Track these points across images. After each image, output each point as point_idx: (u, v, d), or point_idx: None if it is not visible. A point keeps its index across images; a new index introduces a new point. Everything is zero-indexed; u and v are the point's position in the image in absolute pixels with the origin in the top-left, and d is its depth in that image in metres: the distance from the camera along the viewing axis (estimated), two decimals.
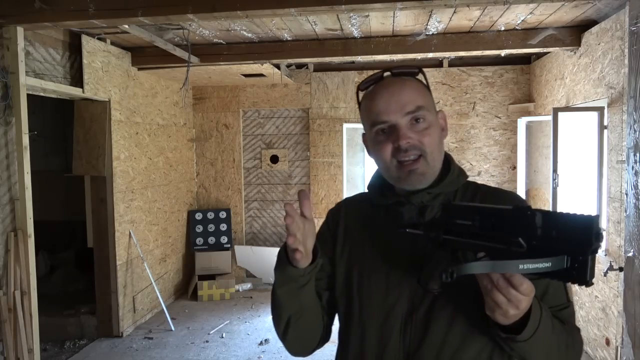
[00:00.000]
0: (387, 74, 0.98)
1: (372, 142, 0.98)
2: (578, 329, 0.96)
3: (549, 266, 0.66)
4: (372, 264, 0.98)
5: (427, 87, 0.99)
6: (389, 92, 0.95)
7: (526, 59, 5.12)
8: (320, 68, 5.43)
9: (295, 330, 1.00)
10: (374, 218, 1.03)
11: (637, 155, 2.46)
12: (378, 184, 1.04)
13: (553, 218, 0.68)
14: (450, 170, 0.99)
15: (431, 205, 0.96)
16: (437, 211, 0.86)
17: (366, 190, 1.09)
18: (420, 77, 1.00)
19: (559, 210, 3.68)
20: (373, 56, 4.20)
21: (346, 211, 1.09)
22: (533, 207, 0.71)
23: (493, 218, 0.75)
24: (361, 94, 1.04)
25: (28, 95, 3.13)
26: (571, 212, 0.67)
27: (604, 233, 3.46)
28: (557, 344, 0.87)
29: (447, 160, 1.01)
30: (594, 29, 3.60)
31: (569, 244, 0.66)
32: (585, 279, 0.65)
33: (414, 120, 0.93)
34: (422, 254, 0.90)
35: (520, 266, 0.67)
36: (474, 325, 0.90)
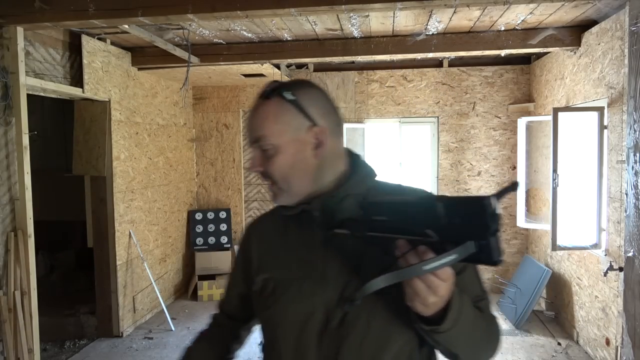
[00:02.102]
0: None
1: None
2: (495, 317, 0.97)
3: (455, 257, 0.67)
4: (285, 277, 0.98)
5: (294, 102, 0.95)
6: (249, 117, 0.99)
7: (526, 59, 5.12)
8: (320, 68, 5.43)
9: None
10: (284, 231, 1.03)
11: (637, 155, 2.46)
12: None
13: (453, 205, 0.70)
14: (355, 173, 1.00)
15: (339, 209, 0.95)
16: (357, 210, 0.86)
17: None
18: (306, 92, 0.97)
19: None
20: (373, 56, 4.20)
21: (255, 231, 1.11)
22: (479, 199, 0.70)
23: (402, 211, 0.78)
24: None
25: (28, 95, 3.13)
26: (471, 195, 0.70)
27: (604, 233, 3.46)
28: (479, 333, 0.89)
29: (355, 161, 1.02)
30: (594, 29, 3.60)
31: (472, 228, 0.67)
32: (492, 260, 0.66)
33: (262, 148, 0.96)
34: (335, 262, 0.93)
35: (424, 267, 0.69)
36: (392, 326, 0.90)
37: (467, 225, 0.67)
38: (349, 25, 3.69)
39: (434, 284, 0.74)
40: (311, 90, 0.99)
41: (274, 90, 0.96)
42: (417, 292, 0.75)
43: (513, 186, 0.68)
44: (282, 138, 0.94)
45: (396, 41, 4.05)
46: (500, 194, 0.66)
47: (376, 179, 1.04)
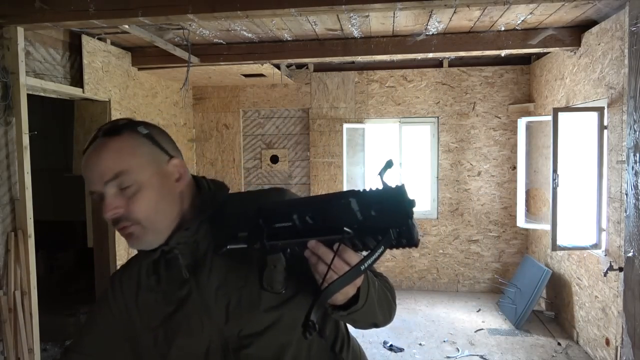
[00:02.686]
0: (99, 134, 0.92)
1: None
2: (383, 274, 1.01)
3: (383, 249, 0.70)
4: (172, 320, 0.94)
5: (148, 136, 0.92)
6: (92, 159, 0.88)
7: (526, 59, 5.12)
8: (320, 68, 5.44)
9: None
10: (154, 275, 0.98)
11: (637, 155, 2.46)
12: None
13: (368, 198, 0.71)
14: (201, 196, 0.96)
15: (198, 239, 0.93)
16: (253, 219, 0.83)
17: None
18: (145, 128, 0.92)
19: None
20: (373, 56, 4.20)
21: (127, 280, 1.02)
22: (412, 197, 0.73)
23: (310, 212, 0.76)
24: None
25: (28, 95, 3.13)
26: (380, 187, 0.71)
27: (604, 233, 3.46)
28: (385, 295, 0.93)
29: (198, 183, 0.98)
30: (594, 29, 3.60)
31: (390, 217, 0.69)
32: (414, 242, 0.69)
33: (120, 187, 0.87)
34: (209, 288, 0.91)
35: (362, 267, 0.72)
36: (287, 324, 0.91)
37: (385, 216, 0.70)
38: (349, 26, 3.69)
39: (338, 266, 0.76)
40: (155, 126, 0.96)
41: (124, 126, 0.91)
42: (320, 273, 0.76)
43: (388, 164, 0.73)
44: (144, 173, 0.88)
45: (396, 41, 4.05)
46: (380, 174, 0.72)
47: (229, 192, 1.01)
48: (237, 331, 0.91)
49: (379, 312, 0.90)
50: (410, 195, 0.69)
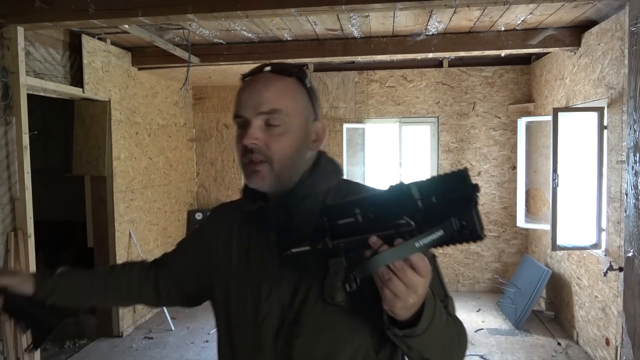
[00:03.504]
0: (267, 68, 0.93)
1: (235, 135, 0.95)
2: (461, 322, 0.94)
3: (442, 234, 0.64)
4: (241, 277, 0.95)
5: (309, 90, 0.94)
6: (254, 87, 0.90)
7: (526, 59, 5.12)
8: (320, 68, 5.43)
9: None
10: (242, 226, 0.99)
11: (637, 155, 2.46)
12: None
13: (428, 185, 0.66)
14: (315, 171, 0.95)
15: (299, 209, 0.91)
16: (317, 218, 0.79)
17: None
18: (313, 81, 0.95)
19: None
20: (373, 56, 4.20)
21: (224, 216, 1.06)
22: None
23: (371, 206, 0.72)
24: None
25: (28, 95, 3.13)
26: (441, 174, 0.66)
27: (604, 233, 3.46)
28: (450, 335, 0.85)
29: (319, 160, 0.97)
30: (594, 29, 3.60)
31: (451, 204, 0.64)
32: (477, 233, 0.63)
33: (268, 123, 0.88)
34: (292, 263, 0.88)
35: (417, 244, 0.65)
36: (344, 327, 0.87)
37: (447, 203, 0.64)
38: (349, 26, 3.69)
39: (413, 281, 0.69)
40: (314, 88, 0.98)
41: (296, 71, 0.92)
42: (397, 293, 0.70)
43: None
44: (295, 119, 0.90)
45: (396, 41, 4.05)
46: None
47: (343, 178, 1.00)
48: (293, 323, 0.89)
49: (438, 351, 0.81)
50: (473, 179, 0.63)
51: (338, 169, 0.99)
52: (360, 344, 0.88)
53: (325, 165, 0.97)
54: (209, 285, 1.03)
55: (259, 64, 0.94)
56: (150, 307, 1.18)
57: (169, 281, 1.11)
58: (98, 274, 1.15)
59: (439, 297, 0.86)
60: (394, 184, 0.69)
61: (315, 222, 0.78)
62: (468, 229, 0.63)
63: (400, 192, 0.68)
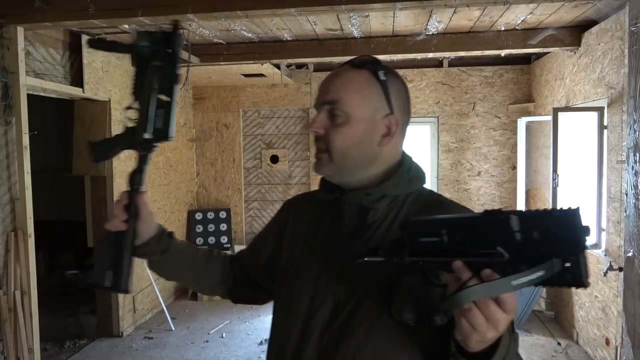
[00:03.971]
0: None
1: None
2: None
3: (542, 275, 0.58)
4: (306, 264, 0.95)
5: (382, 83, 0.92)
6: (327, 79, 0.94)
7: (526, 59, 5.12)
8: (320, 68, 5.43)
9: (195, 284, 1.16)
10: (316, 215, 1.00)
11: (637, 155, 2.46)
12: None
13: (532, 218, 0.60)
14: (398, 173, 0.93)
15: (373, 209, 0.91)
16: (397, 231, 0.77)
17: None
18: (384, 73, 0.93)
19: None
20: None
21: (296, 206, 1.08)
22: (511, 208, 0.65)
23: (462, 229, 0.67)
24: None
25: (28, 95, 3.13)
26: (548, 208, 0.60)
27: (604, 233, 3.46)
28: None
29: (403, 161, 0.96)
30: (594, 29, 3.60)
31: (556, 244, 0.58)
32: (581, 280, 0.57)
33: (331, 113, 0.90)
34: (355, 260, 0.87)
35: (514, 282, 0.58)
36: (391, 343, 0.85)
37: (550, 241, 0.58)
38: (349, 25, 3.69)
39: (496, 317, 0.63)
40: (399, 80, 0.97)
41: (367, 63, 0.92)
42: (476, 326, 0.64)
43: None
44: (358, 111, 0.90)
45: (396, 41, 4.05)
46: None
47: (424, 186, 0.98)
48: (344, 322, 0.87)
49: None
50: (584, 222, 0.57)
51: (422, 176, 0.97)
52: (411, 356, 0.85)
53: (410, 169, 0.95)
54: (276, 268, 1.04)
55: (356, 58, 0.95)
56: (228, 299, 1.14)
57: (244, 276, 1.13)
58: (200, 252, 1.13)
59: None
60: (490, 209, 0.64)
61: (394, 234, 0.76)
62: (571, 274, 0.57)
63: (497, 220, 0.62)
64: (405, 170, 0.94)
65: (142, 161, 0.98)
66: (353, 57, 0.95)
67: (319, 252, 0.95)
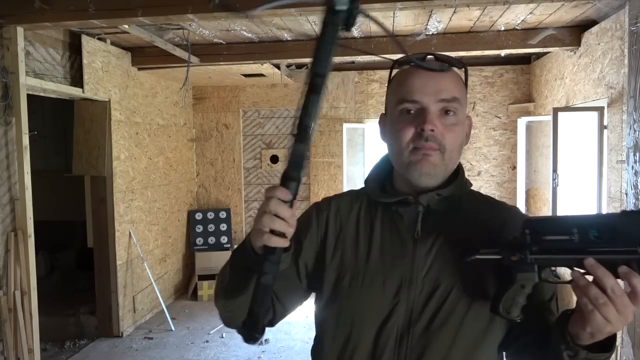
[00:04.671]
0: (429, 57, 0.90)
1: (393, 122, 0.89)
2: None
3: None
4: (367, 270, 0.89)
5: (466, 85, 0.93)
6: (430, 73, 0.86)
7: (526, 59, 5.12)
8: None
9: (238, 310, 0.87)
10: (370, 217, 0.94)
11: (637, 155, 2.46)
12: (378, 178, 0.96)
13: None
14: (459, 174, 0.93)
15: (436, 209, 0.89)
16: (517, 230, 0.78)
17: (359, 187, 1.01)
18: (460, 73, 0.93)
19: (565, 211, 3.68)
20: (373, 56, 4.20)
21: (338, 210, 0.97)
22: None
23: (594, 227, 0.69)
24: (394, 72, 0.96)
25: (28, 95, 3.13)
26: None
27: None
28: None
29: (459, 164, 0.97)
30: (594, 29, 3.59)
31: None
32: None
33: (445, 111, 0.86)
34: (423, 265, 0.86)
35: None
36: (479, 343, 0.85)
37: None
38: None
39: (628, 308, 0.68)
40: None
41: (457, 63, 0.90)
42: (610, 319, 0.68)
43: None
44: (463, 111, 0.90)
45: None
46: None
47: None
48: (427, 326, 0.85)
49: None
50: None
51: (468, 180, 0.99)
52: (492, 356, 0.88)
53: (463, 173, 0.96)
54: (317, 277, 0.95)
55: (419, 53, 0.90)
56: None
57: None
58: None
59: (552, 294, 0.92)
60: (628, 209, 0.68)
61: (514, 232, 0.77)
62: None
63: (636, 221, 0.65)
64: (462, 170, 0.95)
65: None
66: (435, 52, 0.92)
67: (380, 257, 0.90)
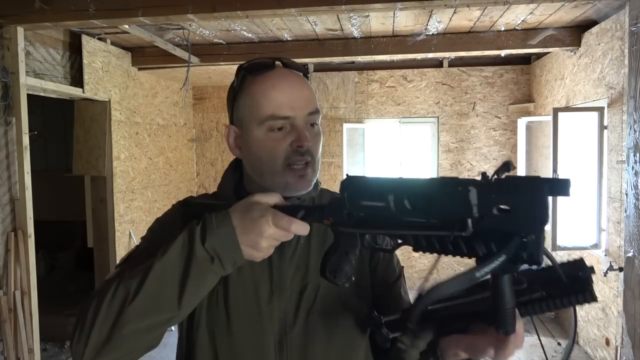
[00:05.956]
0: (278, 63, 0.86)
1: (260, 139, 0.82)
2: None
3: (504, 259, 0.53)
4: (237, 280, 0.85)
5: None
6: (291, 85, 0.83)
7: (526, 59, 5.12)
8: (320, 68, 5.43)
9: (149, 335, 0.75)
10: None
11: (637, 155, 2.47)
12: (232, 187, 0.92)
13: (491, 192, 0.54)
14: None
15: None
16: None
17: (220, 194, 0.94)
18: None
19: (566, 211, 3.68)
20: (373, 56, 4.20)
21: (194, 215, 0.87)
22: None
23: (410, 195, 0.60)
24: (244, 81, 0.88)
25: (28, 95, 3.13)
26: (513, 176, 0.55)
27: (604, 233, 3.46)
28: None
29: None
30: (594, 29, 3.60)
31: (515, 220, 0.53)
32: (537, 259, 0.52)
33: (311, 124, 0.84)
34: (290, 266, 0.85)
35: (477, 274, 0.54)
36: (354, 337, 0.87)
37: (510, 218, 0.53)
38: (349, 25, 3.69)
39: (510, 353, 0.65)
40: None
41: (302, 68, 0.88)
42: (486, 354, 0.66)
43: (506, 166, 0.54)
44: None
45: (396, 41, 4.05)
46: (498, 173, 0.54)
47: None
48: (303, 327, 0.85)
49: None
50: (548, 197, 0.51)
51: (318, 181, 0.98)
52: (367, 351, 0.89)
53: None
54: None
55: (264, 58, 0.86)
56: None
57: None
58: None
59: (396, 276, 0.92)
60: (446, 177, 0.59)
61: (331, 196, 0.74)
62: (529, 252, 0.52)
63: (454, 190, 0.56)
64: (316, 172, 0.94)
65: None
66: (281, 58, 0.87)
67: (248, 265, 0.82)
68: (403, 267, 0.95)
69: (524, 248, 0.52)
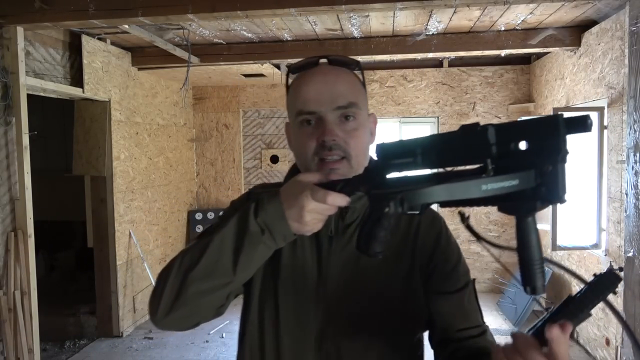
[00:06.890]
0: (323, 60, 0.88)
1: (295, 134, 0.88)
2: None
3: (516, 184, 0.54)
4: (286, 271, 0.90)
5: (364, 84, 0.91)
6: (323, 80, 0.85)
7: (526, 59, 5.12)
8: None
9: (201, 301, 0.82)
10: None
11: (637, 155, 2.47)
12: (291, 176, 0.90)
13: (508, 130, 0.56)
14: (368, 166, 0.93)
15: (352, 207, 0.88)
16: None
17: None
18: (357, 72, 0.91)
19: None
20: (373, 56, 4.20)
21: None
22: None
23: (435, 147, 0.62)
24: (291, 78, 0.92)
25: (28, 95, 3.13)
26: (529, 118, 0.57)
27: (604, 233, 3.46)
28: None
29: (371, 159, 0.94)
30: (594, 29, 3.60)
31: (533, 155, 0.53)
32: (558, 195, 0.52)
33: (344, 117, 0.84)
34: (337, 260, 0.87)
35: (483, 187, 0.55)
36: (396, 338, 0.88)
37: (529, 152, 0.54)
38: (349, 25, 3.69)
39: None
40: None
41: (354, 64, 0.89)
42: None
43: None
44: (364, 113, 0.88)
45: (396, 41, 4.05)
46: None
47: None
48: (344, 325, 0.87)
49: None
50: (566, 133, 0.51)
51: None
52: (410, 350, 0.91)
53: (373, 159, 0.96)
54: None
55: (312, 57, 0.88)
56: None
57: None
58: None
59: (477, 324, 0.90)
60: (467, 123, 0.59)
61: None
62: (549, 187, 0.52)
63: (473, 133, 0.58)
64: (372, 161, 0.93)
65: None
66: (328, 55, 0.89)
67: (296, 257, 0.90)
68: (474, 279, 0.93)
69: (542, 181, 0.53)
